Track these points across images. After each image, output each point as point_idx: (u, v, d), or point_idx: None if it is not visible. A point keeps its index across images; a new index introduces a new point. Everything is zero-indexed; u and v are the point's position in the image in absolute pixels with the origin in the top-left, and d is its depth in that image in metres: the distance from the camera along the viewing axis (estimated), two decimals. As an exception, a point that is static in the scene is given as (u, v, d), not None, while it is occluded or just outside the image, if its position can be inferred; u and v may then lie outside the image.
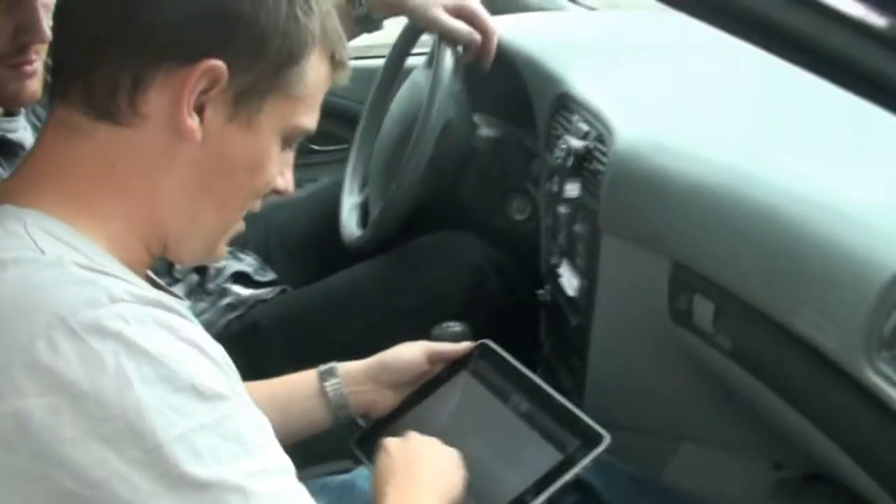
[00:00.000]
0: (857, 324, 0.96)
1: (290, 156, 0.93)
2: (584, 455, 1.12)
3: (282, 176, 0.93)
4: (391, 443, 1.11)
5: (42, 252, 0.76)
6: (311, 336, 1.75)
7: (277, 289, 1.89)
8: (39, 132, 0.87)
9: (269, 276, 1.94)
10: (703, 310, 1.26)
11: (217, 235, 0.92)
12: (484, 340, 1.31)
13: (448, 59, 1.73)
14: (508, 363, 1.27)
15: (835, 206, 1.06)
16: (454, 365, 1.30)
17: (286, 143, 0.90)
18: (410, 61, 2.01)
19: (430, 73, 1.75)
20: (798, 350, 1.07)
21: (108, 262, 0.79)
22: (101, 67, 0.82)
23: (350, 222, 1.93)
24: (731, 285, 1.20)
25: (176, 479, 0.71)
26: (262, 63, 0.84)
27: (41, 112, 1.69)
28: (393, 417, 1.28)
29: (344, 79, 0.92)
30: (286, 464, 0.79)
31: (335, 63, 0.90)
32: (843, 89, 0.80)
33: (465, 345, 1.30)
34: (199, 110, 0.82)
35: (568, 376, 1.65)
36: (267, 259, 1.99)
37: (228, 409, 0.75)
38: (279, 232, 2.09)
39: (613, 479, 1.27)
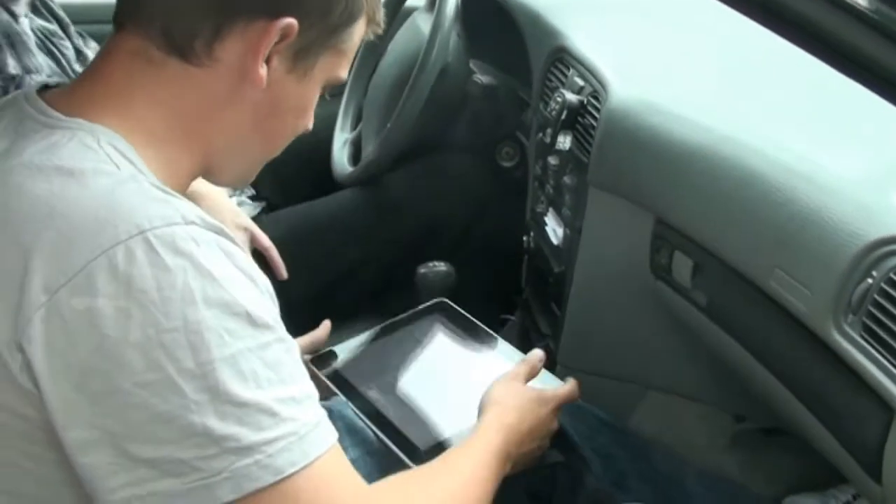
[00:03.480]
0: (827, 288, 1.01)
1: None
2: None
3: None
4: (517, 394, 1.16)
5: (117, 167, 0.81)
6: (295, 259, 1.78)
7: (263, 204, 1.93)
8: (102, 53, 0.91)
9: (251, 191, 1.98)
10: (683, 266, 1.31)
11: (257, 165, 1.01)
12: (441, 299, 1.39)
13: (450, 3, 1.76)
14: (464, 318, 1.34)
15: (815, 176, 1.10)
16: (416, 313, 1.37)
17: (323, 90, 0.98)
18: (409, 2, 2.03)
19: (431, 17, 1.78)
20: (770, 309, 1.12)
21: (164, 186, 0.83)
22: (183, 16, 0.87)
23: (342, 158, 1.96)
24: (711, 244, 1.25)
25: (219, 394, 0.76)
26: (325, 23, 0.91)
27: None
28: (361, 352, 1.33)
29: (370, 34, 1.00)
30: (311, 391, 0.85)
31: (373, 22, 0.98)
32: (830, 66, 0.85)
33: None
34: (267, 61, 0.89)
35: (546, 321, 1.70)
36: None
37: (271, 337, 0.81)
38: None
39: (582, 420, 1.33)
